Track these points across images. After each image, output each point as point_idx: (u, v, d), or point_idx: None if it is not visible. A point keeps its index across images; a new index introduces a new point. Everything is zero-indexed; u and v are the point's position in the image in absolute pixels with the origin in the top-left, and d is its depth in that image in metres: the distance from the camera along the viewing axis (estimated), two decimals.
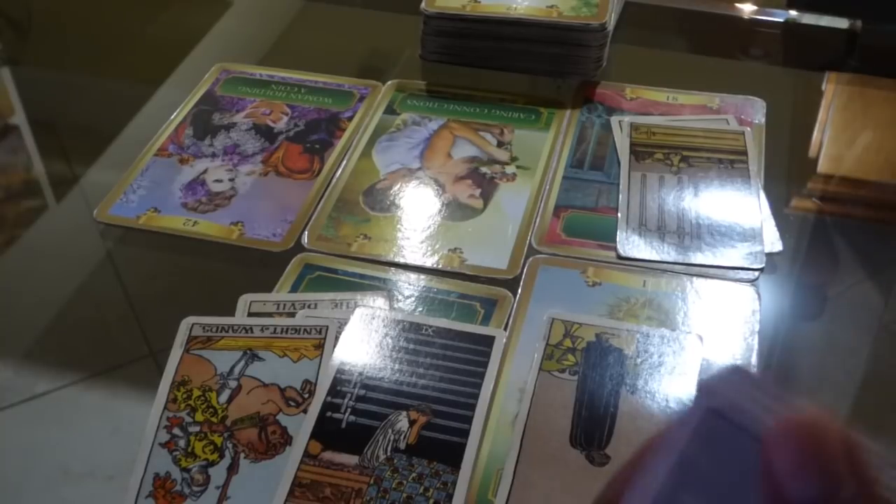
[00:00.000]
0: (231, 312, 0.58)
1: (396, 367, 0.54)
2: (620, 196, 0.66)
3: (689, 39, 0.89)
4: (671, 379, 0.53)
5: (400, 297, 0.59)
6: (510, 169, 0.69)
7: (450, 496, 0.49)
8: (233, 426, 0.53)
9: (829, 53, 0.84)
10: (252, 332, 0.57)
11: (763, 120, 0.73)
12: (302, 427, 0.52)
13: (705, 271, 0.60)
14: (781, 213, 0.65)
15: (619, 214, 0.64)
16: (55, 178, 0.77)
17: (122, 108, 0.81)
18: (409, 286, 0.60)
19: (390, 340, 0.56)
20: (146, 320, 0.62)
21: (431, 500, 0.49)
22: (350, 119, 0.75)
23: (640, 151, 0.69)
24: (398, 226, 0.65)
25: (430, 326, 0.57)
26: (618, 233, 0.63)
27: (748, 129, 0.71)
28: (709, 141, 0.70)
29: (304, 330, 0.56)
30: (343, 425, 0.52)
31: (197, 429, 0.52)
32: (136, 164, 0.71)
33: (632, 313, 0.58)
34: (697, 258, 0.61)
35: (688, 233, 0.63)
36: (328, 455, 0.50)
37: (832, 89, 0.78)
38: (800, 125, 0.76)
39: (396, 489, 0.49)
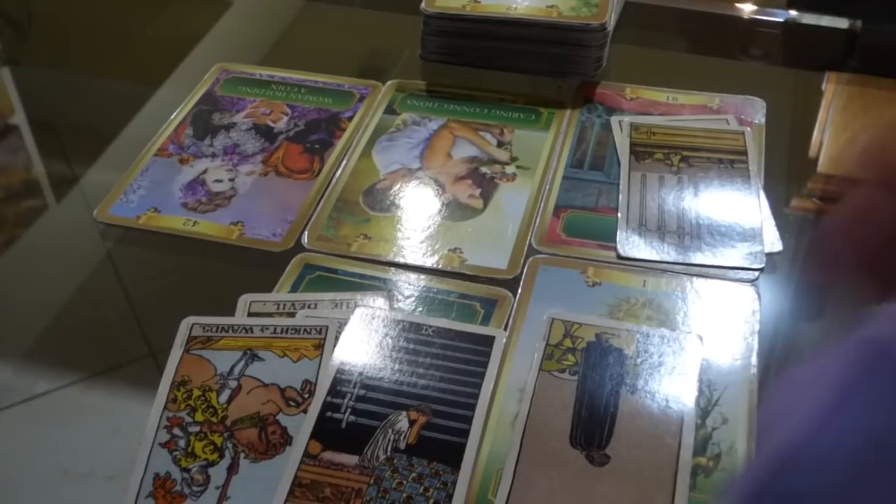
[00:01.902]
0: (231, 312, 0.58)
1: (396, 367, 0.54)
2: (620, 196, 0.66)
3: (689, 39, 0.89)
4: (671, 379, 0.53)
5: (400, 297, 0.59)
6: (510, 169, 0.69)
7: (450, 496, 0.49)
8: (233, 426, 0.53)
9: (829, 53, 0.84)
10: (252, 332, 0.57)
11: (763, 120, 0.73)
12: (302, 427, 0.52)
13: (705, 271, 0.60)
14: (781, 213, 0.65)
15: (619, 214, 0.64)
16: (55, 178, 0.77)
17: (122, 108, 0.81)
18: (409, 286, 0.60)
19: (390, 340, 0.56)
20: (146, 320, 0.62)
21: (431, 500, 0.49)
22: (350, 119, 0.75)
23: (640, 151, 0.69)
24: (398, 226, 0.65)
25: (430, 326, 0.57)
26: (618, 233, 0.63)
27: (748, 129, 0.71)
28: (709, 141, 0.70)
29: (304, 330, 0.56)
30: (343, 425, 0.52)
31: (197, 429, 0.52)
32: (136, 164, 0.71)
33: (632, 313, 0.58)
34: (697, 258, 0.61)
35: (688, 233, 0.63)
36: (328, 455, 0.50)
37: (832, 89, 0.78)
38: (800, 125, 0.76)
39: (396, 489, 0.49)
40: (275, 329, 0.57)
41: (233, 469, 0.51)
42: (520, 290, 0.60)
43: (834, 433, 0.24)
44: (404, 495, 0.49)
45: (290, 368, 0.55)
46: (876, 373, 0.23)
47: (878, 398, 0.23)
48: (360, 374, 0.54)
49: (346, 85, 0.79)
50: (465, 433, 0.51)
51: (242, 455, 0.51)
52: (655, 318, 0.57)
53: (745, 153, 0.68)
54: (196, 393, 0.54)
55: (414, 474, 0.50)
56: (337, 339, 0.56)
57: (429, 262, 0.62)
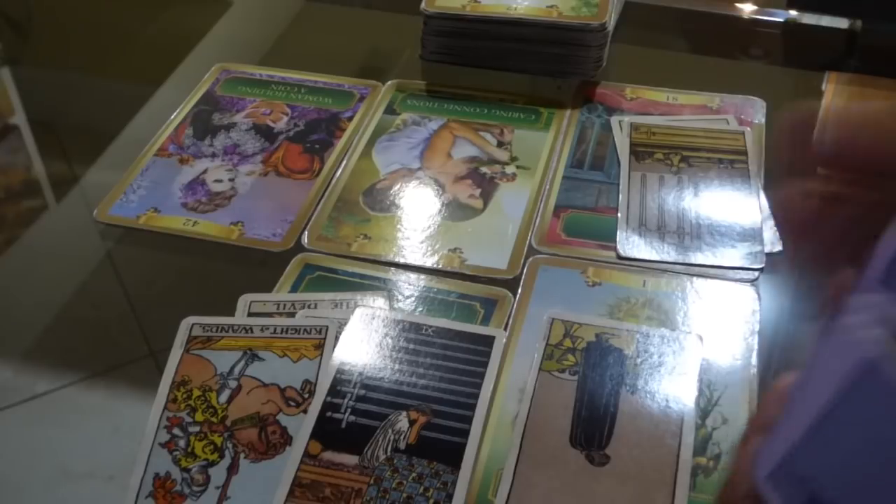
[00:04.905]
0: (231, 312, 0.58)
1: (396, 367, 0.54)
2: (620, 196, 0.66)
3: (689, 39, 0.89)
4: (671, 379, 0.53)
5: (400, 297, 0.59)
6: (510, 169, 0.69)
7: (450, 496, 0.49)
8: (233, 426, 0.53)
9: (829, 53, 0.84)
10: (252, 332, 0.57)
11: (763, 120, 0.73)
12: (302, 427, 0.52)
13: (705, 271, 0.60)
14: None
15: (619, 214, 0.64)
16: (55, 178, 0.77)
17: (122, 108, 0.81)
18: (409, 286, 0.60)
19: (390, 340, 0.56)
20: (146, 320, 0.62)
21: (431, 500, 0.49)
22: (350, 119, 0.75)
23: (640, 151, 0.69)
24: (398, 226, 0.65)
25: (430, 326, 0.57)
26: (618, 233, 0.63)
27: (748, 129, 0.71)
28: (709, 141, 0.70)
29: (304, 330, 0.56)
30: (343, 425, 0.52)
31: (197, 429, 0.52)
32: (136, 164, 0.71)
33: (632, 313, 0.58)
34: (697, 258, 0.61)
35: (688, 233, 0.63)
36: (328, 455, 0.50)
37: (832, 89, 0.78)
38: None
39: (396, 489, 0.49)
40: (275, 329, 0.57)
41: (233, 469, 0.51)
42: (520, 290, 0.60)
43: (835, 432, 0.24)
44: (404, 495, 0.49)
45: (290, 368, 0.55)
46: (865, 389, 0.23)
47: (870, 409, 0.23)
48: (360, 374, 0.54)
49: (346, 85, 0.79)
50: (465, 433, 0.51)
51: (242, 455, 0.51)
52: (655, 318, 0.57)
53: (745, 153, 0.69)
54: (196, 393, 0.54)
55: (414, 474, 0.50)
56: (337, 339, 0.56)
57: (429, 262, 0.62)
